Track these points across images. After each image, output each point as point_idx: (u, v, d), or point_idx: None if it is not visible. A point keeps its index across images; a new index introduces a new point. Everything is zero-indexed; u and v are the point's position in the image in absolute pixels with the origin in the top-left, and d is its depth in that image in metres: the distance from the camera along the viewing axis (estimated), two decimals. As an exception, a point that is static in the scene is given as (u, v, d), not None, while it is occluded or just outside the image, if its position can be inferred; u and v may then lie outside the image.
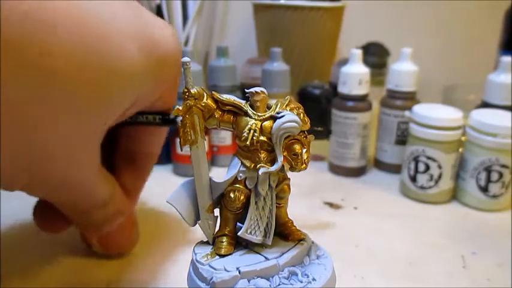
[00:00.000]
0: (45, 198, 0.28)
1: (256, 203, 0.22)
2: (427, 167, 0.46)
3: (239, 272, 0.20)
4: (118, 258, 0.36)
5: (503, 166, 0.44)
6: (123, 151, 0.33)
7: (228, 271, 0.20)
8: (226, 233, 0.22)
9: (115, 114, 0.25)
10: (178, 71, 0.28)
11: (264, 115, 0.21)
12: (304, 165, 0.21)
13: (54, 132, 0.22)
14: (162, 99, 0.29)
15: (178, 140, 0.22)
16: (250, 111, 0.21)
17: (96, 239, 0.32)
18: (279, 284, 0.21)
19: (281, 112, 0.21)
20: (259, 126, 0.21)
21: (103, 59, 0.22)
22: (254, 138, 0.21)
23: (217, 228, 0.23)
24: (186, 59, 0.21)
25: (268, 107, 0.22)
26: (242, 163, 0.22)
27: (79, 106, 0.22)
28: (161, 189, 0.49)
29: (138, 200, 0.36)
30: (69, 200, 0.27)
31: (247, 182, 0.22)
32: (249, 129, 0.21)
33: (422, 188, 0.47)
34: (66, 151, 0.23)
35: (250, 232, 0.22)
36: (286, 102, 0.22)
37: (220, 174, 0.22)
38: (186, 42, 0.76)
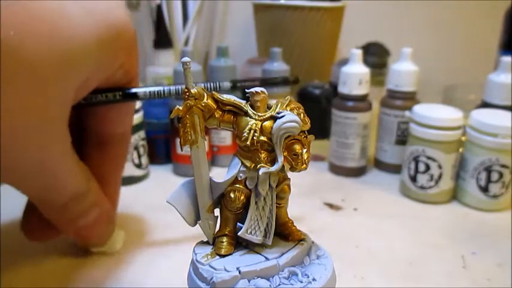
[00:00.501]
0: (19, 190, 0.27)
1: (256, 203, 0.22)
2: (427, 167, 0.46)
3: (239, 272, 0.20)
4: (118, 258, 0.36)
5: (504, 166, 0.44)
6: (92, 136, 0.32)
7: (228, 271, 0.20)
8: (226, 233, 0.22)
9: (74, 89, 0.25)
10: (132, 37, 0.28)
11: (264, 115, 0.21)
12: (304, 165, 0.21)
13: (17, 116, 0.22)
14: (123, 67, 0.29)
15: (178, 140, 0.22)
16: (250, 111, 0.21)
17: (72, 234, 0.31)
18: (279, 284, 0.21)
19: (281, 112, 0.21)
20: (259, 126, 0.21)
21: (57, 32, 0.22)
22: (254, 138, 0.21)
23: (217, 228, 0.23)
24: (186, 59, 0.21)
25: (269, 107, 0.22)
26: (242, 163, 0.22)
27: (38, 84, 0.22)
28: (161, 189, 0.49)
29: (118, 189, 0.35)
30: (44, 192, 0.27)
31: (247, 182, 0.22)
32: (249, 129, 0.21)
33: (422, 188, 0.47)
34: (32, 134, 0.23)
35: (251, 232, 0.22)
36: (287, 102, 0.22)
37: (220, 174, 0.22)
38: (186, 42, 0.76)
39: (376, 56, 0.81)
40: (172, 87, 0.30)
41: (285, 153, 0.21)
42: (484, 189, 0.45)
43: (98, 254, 0.36)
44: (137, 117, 0.50)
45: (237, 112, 0.22)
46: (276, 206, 0.22)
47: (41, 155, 0.24)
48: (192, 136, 0.21)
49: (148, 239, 0.39)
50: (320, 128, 0.61)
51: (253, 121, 0.21)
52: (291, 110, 0.21)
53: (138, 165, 0.51)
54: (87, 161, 0.31)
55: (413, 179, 0.47)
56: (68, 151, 0.26)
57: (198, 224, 0.23)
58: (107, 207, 0.32)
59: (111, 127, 0.32)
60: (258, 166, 0.21)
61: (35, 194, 0.27)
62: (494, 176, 0.44)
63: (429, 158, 0.46)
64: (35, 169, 0.24)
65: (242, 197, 0.22)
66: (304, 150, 0.21)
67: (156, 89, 0.31)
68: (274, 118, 0.21)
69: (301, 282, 0.21)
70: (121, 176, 0.35)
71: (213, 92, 0.22)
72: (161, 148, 0.55)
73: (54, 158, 0.25)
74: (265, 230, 0.22)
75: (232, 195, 0.22)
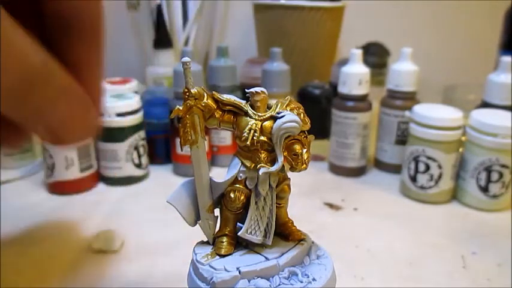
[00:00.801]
0: None
1: (256, 203, 0.22)
2: (427, 167, 0.46)
3: (239, 272, 0.20)
4: (118, 258, 0.36)
5: (503, 166, 0.44)
6: (54, 22, 0.27)
7: (228, 271, 0.20)
8: (226, 233, 0.22)
9: None
10: None
11: (264, 115, 0.21)
12: (304, 165, 0.21)
13: None
14: None
15: (178, 140, 0.22)
16: (250, 111, 0.21)
17: (44, 131, 0.26)
18: (279, 284, 0.21)
19: (281, 112, 0.21)
20: (259, 126, 0.21)
21: None
22: (254, 138, 0.21)
23: (217, 228, 0.23)
24: (186, 59, 0.21)
25: (269, 107, 0.22)
26: (242, 163, 0.22)
27: None
28: (161, 189, 0.49)
29: (99, 80, 0.29)
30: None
31: (247, 182, 0.22)
32: (250, 129, 0.21)
33: (422, 188, 0.47)
34: None
35: (251, 232, 0.22)
36: (287, 102, 0.22)
37: (220, 174, 0.22)
38: (186, 42, 0.76)
39: (376, 56, 0.81)
40: None
41: (285, 153, 0.21)
42: (484, 189, 0.45)
43: (98, 254, 0.36)
44: (137, 117, 0.50)
45: (237, 112, 0.22)
46: (276, 206, 0.22)
47: None
48: (192, 136, 0.21)
49: (148, 239, 0.39)
50: (320, 128, 0.61)
51: (253, 121, 0.21)
52: (291, 110, 0.21)
53: (138, 165, 0.51)
54: (57, 52, 0.26)
55: (413, 179, 0.47)
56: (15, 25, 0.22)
57: (198, 224, 0.23)
58: (81, 94, 0.27)
59: (70, 9, 0.27)
60: (258, 166, 0.21)
61: None
62: (494, 176, 0.44)
63: (429, 158, 0.46)
64: None
65: (242, 197, 0.22)
66: (304, 150, 0.21)
67: None
68: (274, 118, 0.21)
69: (301, 282, 0.21)
70: (99, 67, 0.29)
71: (213, 92, 0.22)
72: (161, 148, 0.55)
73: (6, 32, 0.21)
74: (265, 230, 0.22)
75: (232, 195, 0.22)
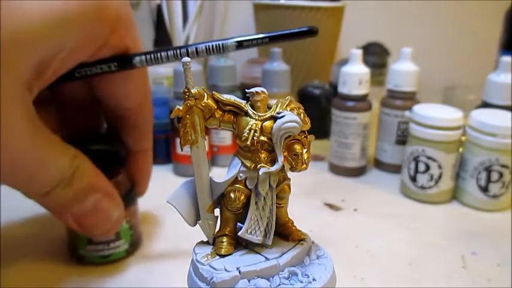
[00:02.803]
0: None
1: (256, 203, 0.22)
2: (427, 167, 0.46)
3: (239, 272, 0.20)
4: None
5: (503, 166, 0.44)
6: (107, 110, 0.32)
7: (228, 271, 0.20)
8: (226, 233, 0.22)
9: (30, 69, 0.24)
10: (115, 11, 0.27)
11: (265, 115, 0.21)
12: (304, 165, 0.21)
13: None
14: (110, 44, 0.28)
15: (178, 140, 0.22)
16: (250, 111, 0.21)
17: (71, 220, 0.29)
18: (279, 284, 0.21)
19: (281, 112, 0.21)
20: (259, 127, 0.21)
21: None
22: (254, 138, 0.21)
23: (217, 228, 0.23)
24: (186, 59, 0.21)
25: (269, 107, 0.22)
26: (242, 163, 0.22)
27: None
28: (161, 189, 0.49)
29: (148, 163, 0.35)
30: (21, 180, 0.25)
31: (247, 182, 0.22)
32: (250, 129, 0.21)
33: (422, 188, 0.47)
34: None
35: (251, 232, 0.22)
36: (287, 102, 0.22)
37: (220, 174, 0.22)
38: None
39: (376, 56, 0.81)
40: (170, 52, 0.29)
41: (285, 153, 0.21)
42: (484, 189, 0.45)
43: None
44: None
45: (237, 112, 0.22)
46: (276, 206, 0.22)
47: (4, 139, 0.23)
48: (192, 136, 0.21)
49: (148, 239, 0.39)
50: (320, 128, 0.61)
51: (254, 121, 0.21)
52: (291, 110, 0.21)
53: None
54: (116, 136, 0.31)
55: (413, 179, 0.47)
56: (34, 131, 0.24)
57: (198, 224, 0.23)
58: (109, 191, 0.30)
59: (121, 100, 0.31)
60: (258, 166, 0.21)
61: (13, 183, 0.25)
62: (494, 176, 0.44)
63: (429, 158, 0.46)
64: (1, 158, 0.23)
65: (242, 197, 0.22)
66: (304, 150, 0.21)
67: (152, 53, 0.29)
68: (274, 118, 0.21)
69: (301, 282, 0.21)
70: (149, 150, 0.34)
71: (213, 92, 0.22)
72: (161, 148, 0.55)
73: (14, 141, 0.23)
74: (265, 230, 0.22)
75: (232, 195, 0.22)
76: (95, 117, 0.35)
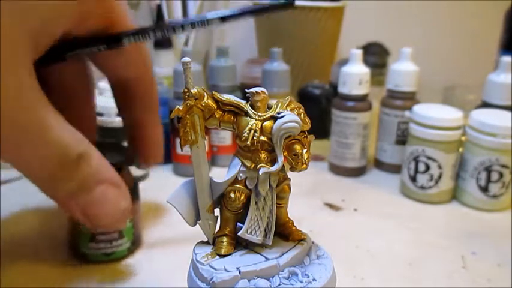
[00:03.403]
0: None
1: (256, 203, 0.22)
2: (427, 167, 0.46)
3: (239, 272, 0.20)
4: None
5: (503, 166, 0.44)
6: (112, 82, 0.32)
7: (228, 271, 0.20)
8: (226, 233, 0.22)
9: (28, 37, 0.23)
10: None
11: (265, 115, 0.21)
12: (304, 165, 0.21)
13: None
14: (93, 14, 0.27)
15: (178, 140, 0.22)
16: (250, 111, 0.21)
17: (78, 212, 0.28)
18: (279, 284, 0.21)
19: (281, 112, 0.21)
20: (259, 127, 0.21)
21: None
22: (254, 138, 0.21)
23: (217, 228, 0.23)
24: (186, 59, 0.21)
25: (269, 107, 0.22)
26: (242, 163, 0.22)
27: None
28: (161, 189, 0.49)
29: (157, 133, 0.35)
30: (22, 152, 0.24)
31: (247, 182, 0.22)
32: (250, 130, 0.21)
33: (422, 188, 0.47)
34: None
35: (251, 232, 0.22)
36: (287, 102, 0.22)
37: (220, 174, 0.22)
38: (186, 42, 0.76)
39: (376, 56, 0.81)
40: (158, 30, 0.28)
41: (285, 153, 0.21)
42: (484, 189, 0.45)
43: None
44: (137, 117, 0.50)
45: (237, 112, 0.22)
46: (276, 206, 0.22)
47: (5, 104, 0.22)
48: (192, 136, 0.21)
49: (148, 239, 0.39)
50: (320, 128, 0.61)
51: (254, 121, 0.21)
52: (291, 110, 0.21)
53: (138, 165, 0.51)
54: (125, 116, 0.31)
55: (413, 179, 0.47)
56: (39, 93, 0.24)
57: (198, 224, 0.23)
58: (117, 181, 0.29)
59: (119, 71, 0.32)
60: (258, 166, 0.21)
61: (21, 160, 0.24)
62: (494, 176, 0.44)
63: (429, 158, 0.46)
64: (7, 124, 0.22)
65: (242, 197, 0.22)
66: (305, 150, 0.21)
67: (140, 32, 0.28)
68: (274, 118, 0.21)
69: (301, 282, 0.21)
70: (157, 123, 0.34)
71: (213, 92, 0.22)
72: (161, 148, 0.55)
73: (24, 96, 0.22)
74: (265, 230, 0.22)
75: (232, 195, 0.22)
76: (86, 104, 0.35)
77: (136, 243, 0.37)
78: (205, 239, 0.23)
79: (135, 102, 0.33)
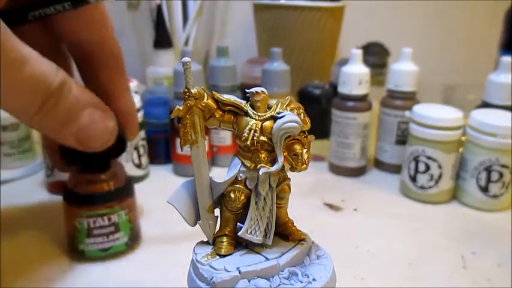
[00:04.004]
0: None
1: (256, 203, 0.22)
2: (427, 167, 0.46)
3: (239, 272, 0.20)
4: (118, 257, 0.36)
5: (503, 166, 0.44)
6: (72, 50, 0.32)
7: (228, 271, 0.20)
8: (226, 233, 0.22)
9: None
10: None
11: (265, 115, 0.21)
12: (304, 165, 0.21)
13: None
14: None
15: (178, 140, 0.22)
16: (250, 111, 0.21)
17: (72, 140, 0.29)
18: (279, 284, 0.21)
19: (281, 112, 0.21)
20: (259, 127, 0.21)
21: None
22: (254, 138, 0.21)
23: (217, 228, 0.23)
24: (186, 59, 0.21)
25: (269, 107, 0.22)
26: (242, 163, 0.22)
27: None
28: (161, 189, 0.49)
29: (127, 98, 0.34)
30: (14, 94, 0.25)
31: (247, 182, 0.22)
32: (250, 130, 0.21)
33: (422, 188, 0.47)
34: None
35: (251, 232, 0.22)
36: (287, 102, 0.22)
37: (220, 174, 0.22)
38: (186, 42, 0.76)
39: (376, 56, 0.81)
40: None
41: (285, 153, 0.21)
42: (484, 189, 0.45)
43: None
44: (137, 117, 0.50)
45: (237, 112, 0.22)
46: (276, 206, 0.22)
47: None
48: (192, 136, 0.21)
49: (148, 238, 0.39)
50: (320, 128, 0.61)
51: (254, 121, 0.21)
52: (291, 110, 0.21)
53: (138, 165, 0.51)
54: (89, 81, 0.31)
55: (413, 179, 0.47)
56: (7, 38, 0.23)
57: (198, 224, 0.23)
58: (99, 103, 0.30)
59: (81, 35, 0.31)
60: (258, 166, 0.21)
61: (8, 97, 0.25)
62: (494, 176, 0.44)
63: (429, 158, 0.46)
64: None
65: (242, 197, 0.22)
66: (305, 150, 0.21)
67: None
68: (274, 118, 0.21)
69: (301, 282, 0.21)
70: (126, 90, 0.34)
71: (213, 92, 0.22)
72: (161, 148, 0.55)
73: None
74: (265, 230, 0.22)
75: (232, 195, 0.22)
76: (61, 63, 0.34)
77: (134, 239, 0.37)
78: (205, 239, 0.23)
79: (100, 68, 0.32)
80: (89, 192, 0.35)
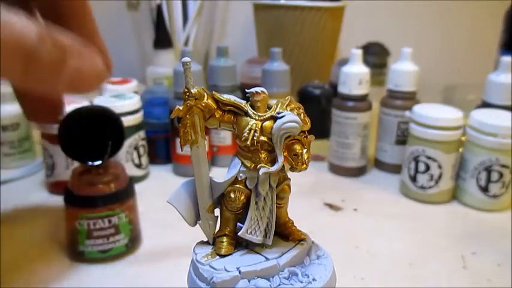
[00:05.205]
0: None
1: (256, 203, 0.22)
2: (427, 167, 0.46)
3: (239, 272, 0.20)
4: (118, 257, 0.36)
5: (503, 166, 0.44)
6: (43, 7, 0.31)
7: (228, 271, 0.20)
8: (226, 233, 0.22)
9: None
10: None
11: (265, 115, 0.21)
12: (304, 165, 0.21)
13: None
14: None
15: (178, 140, 0.22)
16: (250, 111, 0.21)
17: (65, 88, 0.29)
18: (279, 284, 0.21)
19: (281, 112, 0.21)
20: (259, 127, 0.21)
21: None
22: (254, 138, 0.21)
23: (217, 228, 0.23)
24: (186, 59, 0.21)
25: (269, 107, 0.22)
26: (242, 163, 0.22)
27: None
28: (161, 189, 0.49)
29: (95, 30, 0.32)
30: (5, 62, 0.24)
31: (247, 182, 0.22)
32: (250, 130, 0.21)
33: (422, 188, 0.47)
34: None
35: (251, 232, 0.22)
36: (287, 102, 0.22)
37: (220, 174, 0.22)
38: (186, 42, 0.76)
39: (376, 56, 0.81)
40: None
41: (285, 153, 0.21)
42: (484, 189, 0.45)
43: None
44: (137, 117, 0.50)
45: (237, 112, 0.22)
46: (276, 206, 0.22)
47: None
48: (192, 136, 0.21)
49: (148, 238, 0.39)
50: (320, 128, 0.61)
51: (254, 121, 0.21)
52: (291, 110, 0.21)
53: (138, 165, 0.51)
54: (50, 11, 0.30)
55: (413, 179, 0.47)
56: None
57: (198, 224, 0.23)
58: (82, 42, 0.29)
59: None
60: (258, 166, 0.21)
61: None
62: (494, 176, 0.44)
63: (429, 158, 0.46)
64: None
65: (242, 197, 0.22)
66: (305, 150, 0.21)
67: None
68: (274, 118, 0.21)
69: (301, 282, 0.21)
70: (90, 19, 0.32)
71: (213, 92, 0.22)
72: (161, 148, 0.55)
73: None
74: (265, 230, 0.22)
75: (232, 195, 0.22)
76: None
77: (134, 241, 0.37)
78: (205, 239, 0.23)
79: (71, 20, 0.31)
80: (90, 194, 0.35)
